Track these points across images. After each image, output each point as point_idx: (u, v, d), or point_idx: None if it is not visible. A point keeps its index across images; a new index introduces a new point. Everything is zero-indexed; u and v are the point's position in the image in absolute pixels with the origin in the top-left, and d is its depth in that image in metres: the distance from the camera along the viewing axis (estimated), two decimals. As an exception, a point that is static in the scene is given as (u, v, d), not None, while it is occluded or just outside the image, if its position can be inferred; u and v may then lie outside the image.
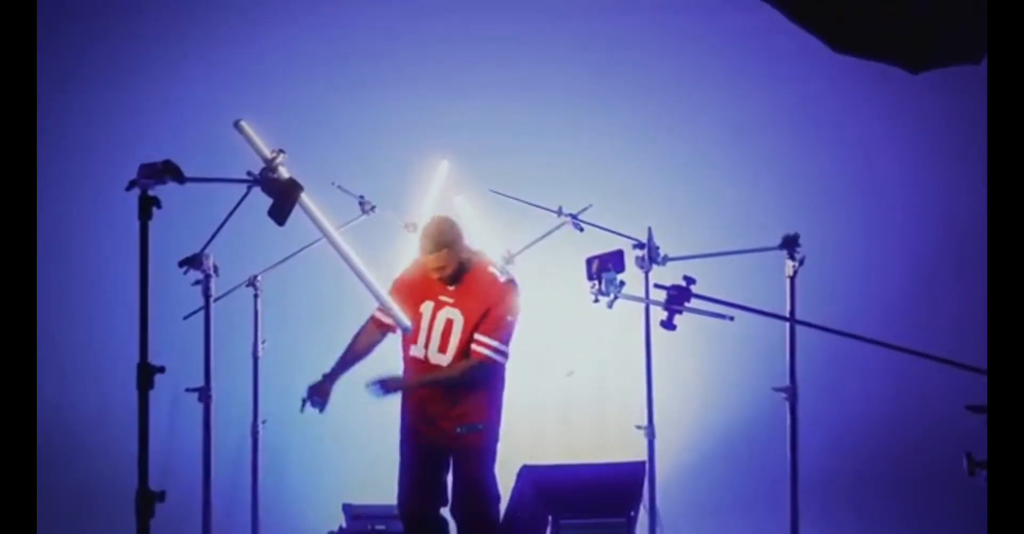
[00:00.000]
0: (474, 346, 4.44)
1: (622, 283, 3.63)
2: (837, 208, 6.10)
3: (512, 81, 6.23)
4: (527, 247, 5.32)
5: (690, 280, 3.37)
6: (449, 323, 4.43)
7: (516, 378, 4.62)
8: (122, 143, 5.77)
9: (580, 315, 5.70)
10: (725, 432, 6.11)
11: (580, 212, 5.28)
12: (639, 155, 6.29)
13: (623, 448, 5.48)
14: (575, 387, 6.01)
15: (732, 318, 3.26)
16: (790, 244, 4.17)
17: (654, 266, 4.62)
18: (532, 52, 6.24)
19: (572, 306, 5.72)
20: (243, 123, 3.85)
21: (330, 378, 4.49)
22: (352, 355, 4.57)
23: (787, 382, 4.20)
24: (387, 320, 4.45)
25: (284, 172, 3.66)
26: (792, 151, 6.30)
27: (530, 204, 5.32)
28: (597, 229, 5.20)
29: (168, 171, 3.19)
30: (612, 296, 3.61)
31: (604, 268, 3.64)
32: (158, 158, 3.12)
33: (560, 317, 5.97)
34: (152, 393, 3.06)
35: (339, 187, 5.21)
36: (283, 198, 3.54)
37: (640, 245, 4.92)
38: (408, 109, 6.12)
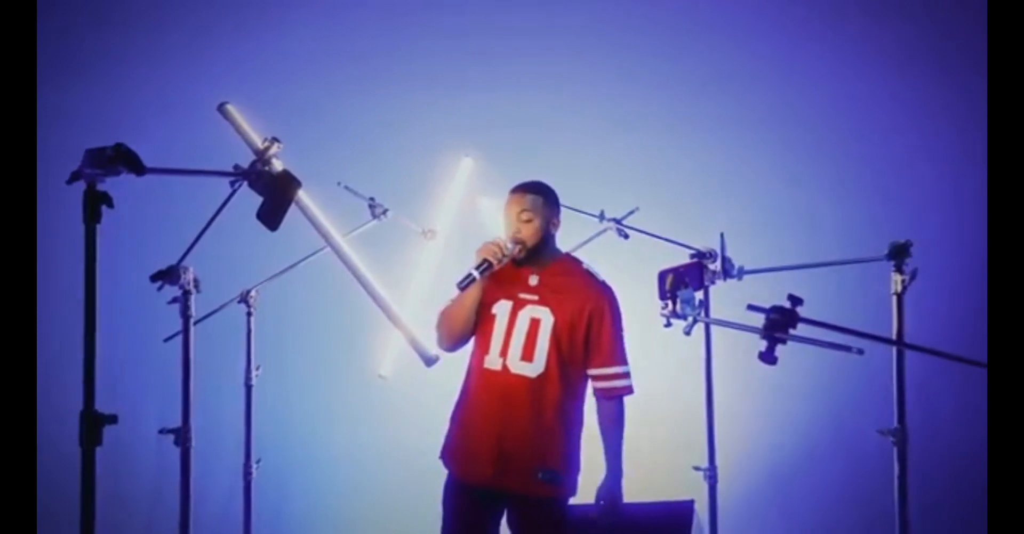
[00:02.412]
0: (601, 384, 3.71)
1: (702, 303, 2.94)
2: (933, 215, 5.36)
3: (544, 72, 5.59)
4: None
5: (796, 300, 2.69)
6: (534, 324, 3.68)
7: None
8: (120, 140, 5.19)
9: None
10: (798, 474, 5.39)
11: (625, 217, 4.66)
12: (690, 152, 5.60)
13: (677, 491, 4.82)
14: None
15: (861, 351, 2.53)
16: (899, 254, 3.47)
17: (723, 281, 3.89)
18: (566, 40, 5.62)
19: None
20: (229, 107, 3.36)
21: None
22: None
23: (893, 422, 3.48)
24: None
25: (278, 165, 3.13)
26: (871, 147, 5.57)
27: (566, 208, 4.43)
28: (645, 236, 4.60)
29: (121, 158, 2.46)
30: (691, 319, 2.90)
31: (680, 284, 2.94)
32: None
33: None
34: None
35: (346, 187, 4.62)
36: (276, 196, 2.96)
37: (700, 255, 4.29)
38: (426, 103, 5.52)
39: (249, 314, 4.51)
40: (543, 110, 5.52)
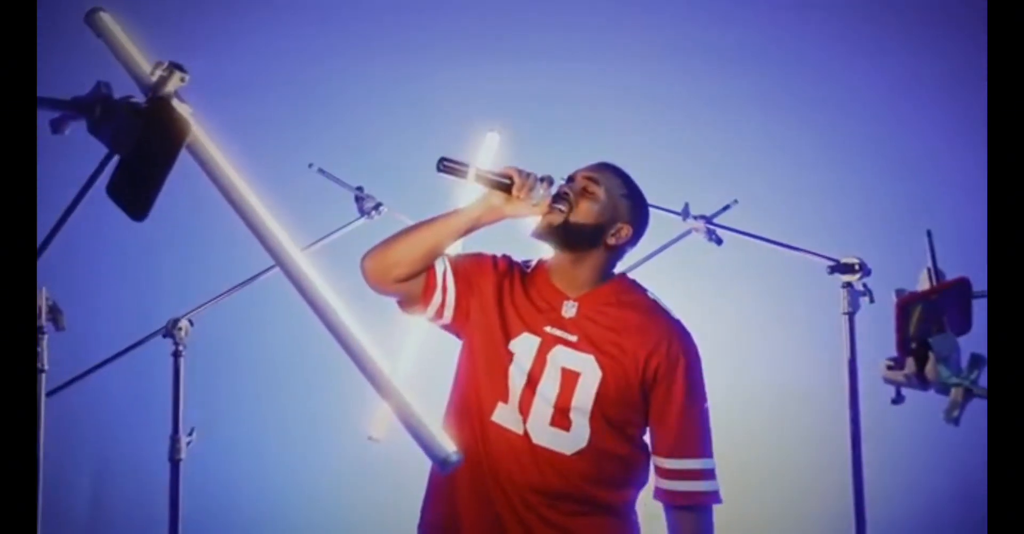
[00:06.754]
0: (670, 483, 2.76)
1: (979, 361, 1.62)
2: None
3: (599, 29, 4.65)
4: (631, 269, 3.48)
5: None
6: (570, 379, 2.76)
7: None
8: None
9: (725, 377, 3.96)
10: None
11: (718, 213, 3.62)
12: (808, 131, 4.54)
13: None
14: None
15: None
16: None
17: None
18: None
19: (712, 363, 4.18)
20: (102, 15, 2.12)
21: None
22: None
23: None
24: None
25: (183, 110, 1.79)
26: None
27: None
28: (746, 239, 3.58)
29: None
30: (957, 393, 1.59)
31: (931, 324, 1.65)
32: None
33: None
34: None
35: (320, 171, 3.76)
36: (141, 153, 1.69)
37: (841, 269, 3.31)
38: (439, 70, 4.62)
39: (177, 354, 3.49)
40: (593, 76, 4.60)
